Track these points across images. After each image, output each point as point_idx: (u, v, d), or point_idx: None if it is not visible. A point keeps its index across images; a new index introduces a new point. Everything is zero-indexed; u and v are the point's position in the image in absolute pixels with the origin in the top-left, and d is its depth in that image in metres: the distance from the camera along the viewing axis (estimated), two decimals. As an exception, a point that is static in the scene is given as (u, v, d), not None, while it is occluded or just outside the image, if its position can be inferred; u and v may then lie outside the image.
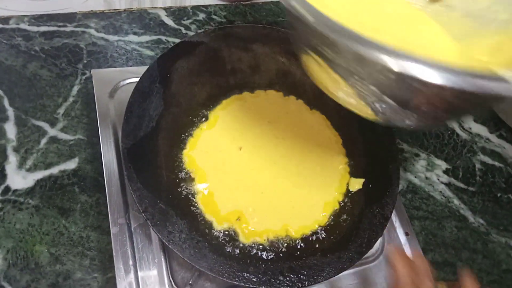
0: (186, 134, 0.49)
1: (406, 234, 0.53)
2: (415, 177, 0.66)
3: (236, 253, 0.43)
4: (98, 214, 0.51)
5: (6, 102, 0.56)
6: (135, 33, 0.67)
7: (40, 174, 0.53)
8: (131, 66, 0.63)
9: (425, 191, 0.65)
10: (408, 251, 0.52)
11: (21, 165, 0.53)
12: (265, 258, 0.43)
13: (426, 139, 0.71)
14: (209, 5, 0.74)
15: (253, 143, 0.49)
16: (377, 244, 0.51)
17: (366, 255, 0.44)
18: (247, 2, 0.76)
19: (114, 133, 0.50)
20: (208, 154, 0.48)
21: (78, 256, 0.48)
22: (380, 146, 0.51)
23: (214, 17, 0.73)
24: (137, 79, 0.48)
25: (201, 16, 0.72)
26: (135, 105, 0.44)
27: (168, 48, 0.53)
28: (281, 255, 0.44)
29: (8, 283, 0.46)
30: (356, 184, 0.50)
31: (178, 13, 0.71)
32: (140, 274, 0.43)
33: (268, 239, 0.45)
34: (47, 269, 0.47)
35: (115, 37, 0.66)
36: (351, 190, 0.50)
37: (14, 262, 0.47)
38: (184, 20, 0.71)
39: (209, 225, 0.44)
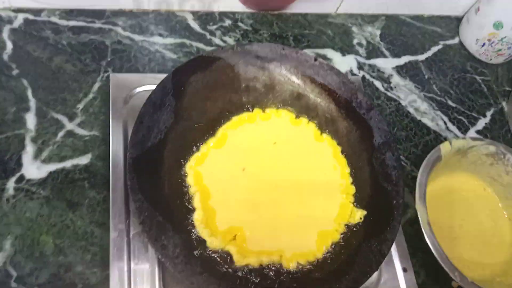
0: (193, 148, 0.50)
1: (404, 270, 0.53)
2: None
3: (227, 274, 0.44)
4: (104, 211, 0.52)
5: (29, 93, 0.59)
6: (160, 35, 0.68)
7: (53, 166, 0.54)
8: (152, 67, 0.64)
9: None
10: (403, 287, 0.52)
11: (37, 155, 0.55)
12: (256, 282, 0.44)
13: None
14: (237, 12, 0.74)
15: (257, 164, 0.50)
16: (373, 277, 0.51)
17: (359, 289, 0.44)
18: (274, 12, 0.76)
19: (124, 138, 0.51)
20: (212, 172, 0.48)
21: (81, 250, 0.50)
22: (388, 179, 0.51)
23: (240, 24, 0.73)
24: (153, 87, 0.49)
25: (227, 22, 0.73)
26: (146, 116, 0.45)
27: (184, 61, 0.53)
28: (272, 281, 0.44)
29: (13, 268, 0.48)
30: (357, 215, 0.50)
31: (205, 17, 0.72)
32: (133, 280, 0.45)
33: (261, 263, 0.45)
34: (50, 259, 0.49)
35: (141, 37, 0.67)
36: (350, 221, 0.50)
37: (20, 249, 0.49)
38: (210, 25, 0.71)
39: (204, 243, 0.45)
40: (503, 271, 0.57)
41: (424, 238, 0.50)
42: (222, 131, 0.52)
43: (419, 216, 0.51)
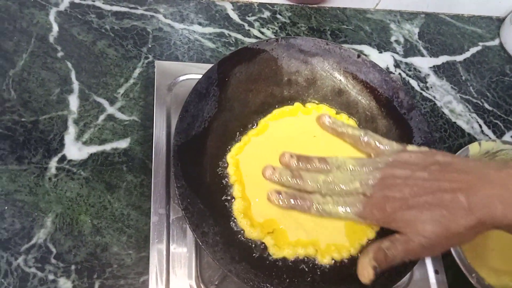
0: (234, 139, 0.51)
1: (436, 272, 0.53)
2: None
3: (264, 264, 0.44)
4: (140, 195, 0.54)
5: (73, 75, 0.60)
6: (200, 24, 0.69)
7: (94, 149, 0.56)
8: (191, 55, 0.65)
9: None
10: (435, 288, 0.52)
11: (78, 137, 0.56)
12: (291, 275, 0.44)
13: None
14: (276, 3, 0.74)
15: (296, 157, 0.50)
16: (405, 277, 0.50)
17: (389, 288, 0.45)
18: (313, 5, 0.75)
19: (167, 125, 0.52)
20: (252, 162, 0.49)
21: (117, 231, 0.52)
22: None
23: (278, 16, 0.73)
24: (196, 76, 0.50)
25: (266, 14, 0.73)
26: (191, 105, 0.46)
27: (230, 51, 0.54)
28: (307, 274, 0.45)
29: (52, 244, 0.50)
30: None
31: (244, 8, 0.72)
32: (171, 264, 0.46)
33: (297, 256, 0.46)
34: (88, 239, 0.51)
35: (181, 25, 0.68)
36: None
37: (60, 227, 0.51)
38: (248, 16, 0.71)
39: (242, 233, 0.46)
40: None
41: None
42: (263, 122, 0.52)
43: None
